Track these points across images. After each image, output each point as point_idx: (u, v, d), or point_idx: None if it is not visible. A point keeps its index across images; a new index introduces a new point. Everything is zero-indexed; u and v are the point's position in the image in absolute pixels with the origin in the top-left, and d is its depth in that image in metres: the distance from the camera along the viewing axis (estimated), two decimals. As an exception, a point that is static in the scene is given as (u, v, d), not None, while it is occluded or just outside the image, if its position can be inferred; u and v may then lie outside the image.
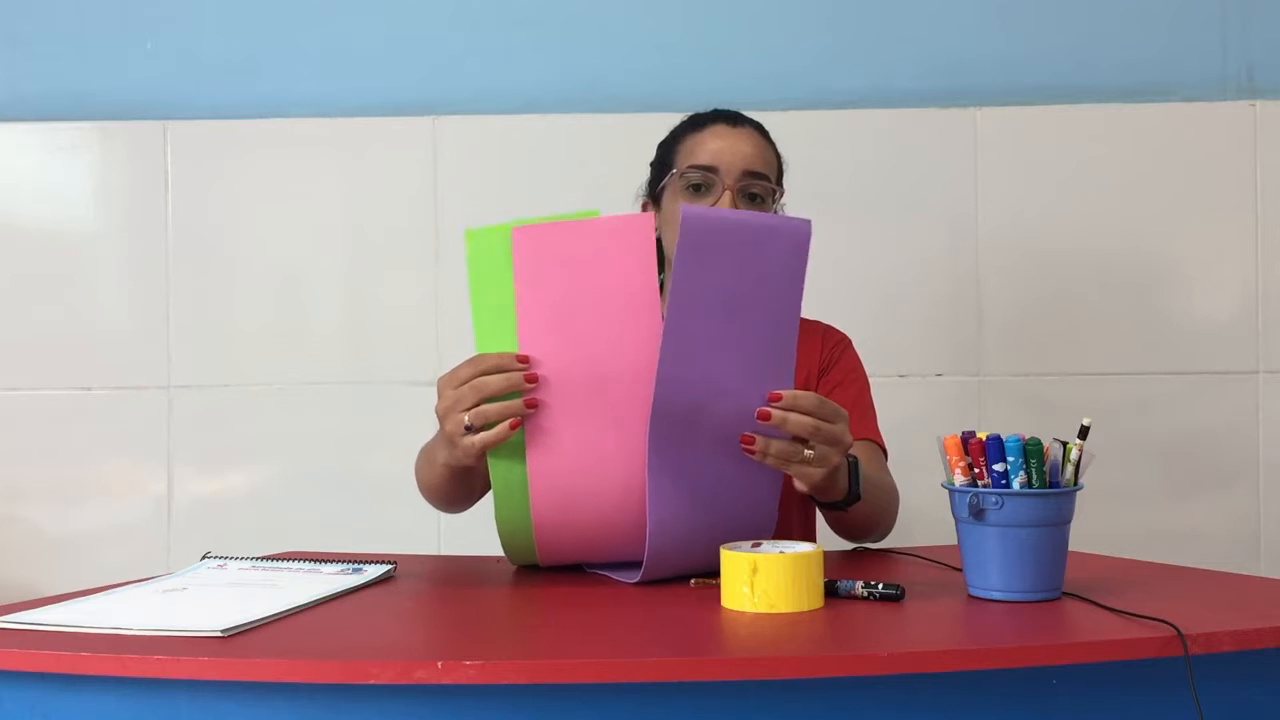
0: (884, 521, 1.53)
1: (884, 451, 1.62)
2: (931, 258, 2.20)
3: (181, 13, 2.24)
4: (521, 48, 2.24)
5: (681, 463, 1.23)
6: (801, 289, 1.24)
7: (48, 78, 2.24)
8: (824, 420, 1.23)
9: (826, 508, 1.40)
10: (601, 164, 2.13)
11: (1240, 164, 2.20)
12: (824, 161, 2.16)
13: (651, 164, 1.68)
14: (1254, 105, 2.20)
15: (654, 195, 1.65)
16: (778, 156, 1.64)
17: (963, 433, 1.18)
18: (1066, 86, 2.21)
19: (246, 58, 2.24)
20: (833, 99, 2.20)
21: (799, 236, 1.23)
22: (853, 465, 1.35)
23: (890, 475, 1.59)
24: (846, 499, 1.36)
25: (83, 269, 2.22)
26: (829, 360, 1.65)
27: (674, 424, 1.21)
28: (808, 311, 1.70)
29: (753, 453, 1.22)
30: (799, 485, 1.27)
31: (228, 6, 2.24)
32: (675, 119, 1.68)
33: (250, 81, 2.24)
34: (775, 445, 1.23)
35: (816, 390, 1.62)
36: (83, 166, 2.23)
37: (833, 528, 1.52)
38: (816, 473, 1.25)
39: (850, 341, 1.69)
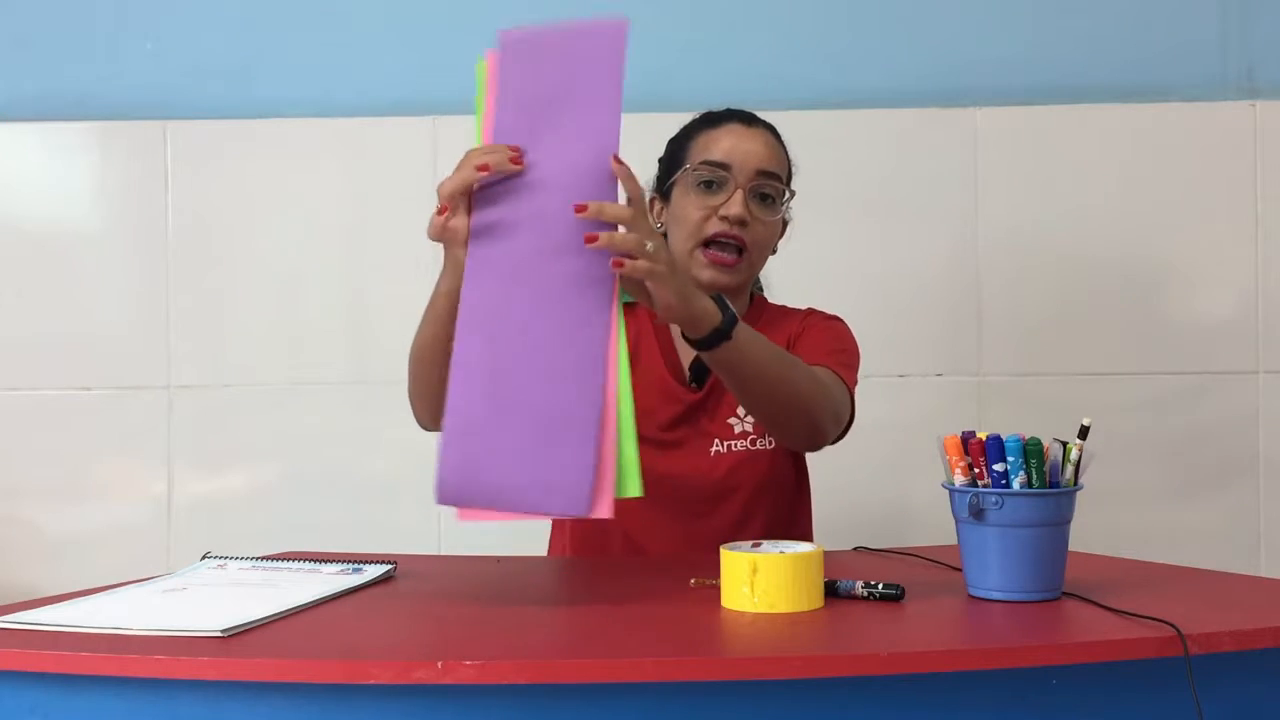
0: (794, 401, 1.41)
1: (849, 389, 1.53)
2: (932, 258, 2.20)
3: (181, 13, 2.24)
4: (521, 48, 2.23)
5: (503, 301, 1.18)
6: (619, 83, 1.19)
7: (48, 78, 2.24)
8: (639, 221, 1.20)
9: (700, 347, 1.30)
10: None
11: (1240, 164, 2.20)
12: (824, 161, 2.15)
13: (660, 160, 1.67)
14: (1254, 105, 2.20)
15: (662, 191, 1.64)
16: (788, 158, 1.63)
17: (963, 433, 1.18)
18: (1066, 86, 2.21)
19: (246, 58, 2.24)
20: (833, 99, 2.20)
21: (615, 33, 1.19)
22: (718, 299, 1.30)
23: (835, 388, 1.49)
24: (716, 332, 1.28)
25: (83, 269, 2.21)
26: (806, 326, 1.62)
27: (497, 237, 1.19)
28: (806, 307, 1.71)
29: (593, 239, 1.17)
30: (656, 300, 1.22)
31: (228, 7, 2.24)
32: (676, 119, 1.67)
33: (250, 81, 2.23)
34: (618, 237, 1.17)
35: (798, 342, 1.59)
36: (83, 166, 2.22)
37: (734, 393, 1.43)
38: (661, 269, 1.19)
39: (838, 317, 1.66)
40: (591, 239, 1.17)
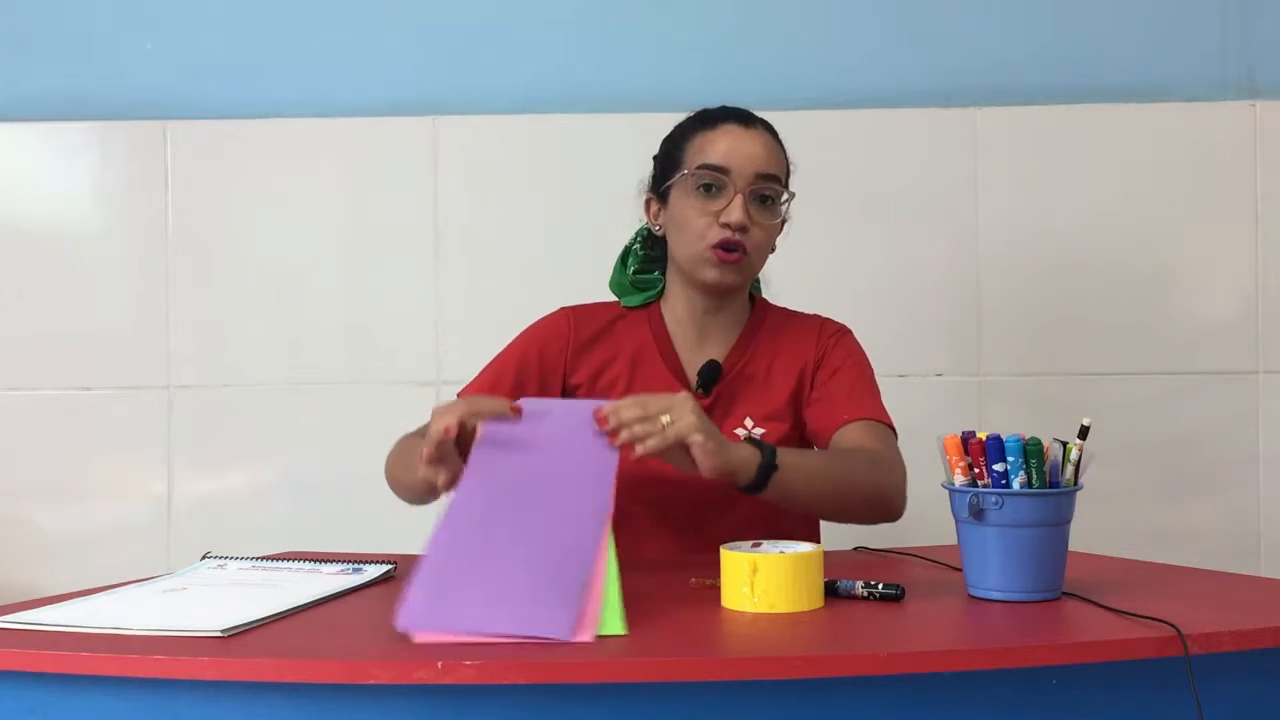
0: (861, 497, 1.44)
1: (891, 428, 1.55)
2: (931, 258, 2.20)
3: (181, 13, 2.24)
4: (521, 48, 2.24)
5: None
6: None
7: (48, 78, 2.24)
8: (650, 403, 1.28)
9: (754, 490, 1.35)
10: (601, 164, 2.13)
11: (1240, 164, 2.20)
12: (824, 161, 2.15)
13: (655, 158, 1.66)
14: (1254, 105, 2.20)
15: (659, 192, 1.64)
16: (787, 157, 1.62)
17: (963, 433, 1.18)
18: (1066, 86, 2.21)
19: (246, 58, 2.24)
20: (833, 99, 2.20)
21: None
22: (757, 443, 1.35)
23: (886, 446, 1.51)
24: (762, 471, 1.33)
25: (83, 269, 2.21)
26: (824, 351, 1.63)
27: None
28: (807, 309, 1.71)
29: (614, 433, 1.26)
30: (698, 456, 1.26)
31: (228, 7, 2.24)
32: (676, 119, 1.66)
33: (250, 81, 2.23)
34: (638, 428, 1.25)
35: (813, 384, 1.60)
36: (83, 166, 2.22)
37: (806, 512, 1.48)
38: (689, 422, 1.26)
39: (848, 330, 1.67)
40: (614, 434, 1.26)
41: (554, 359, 1.62)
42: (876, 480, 1.45)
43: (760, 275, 1.76)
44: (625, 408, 1.27)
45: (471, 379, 1.64)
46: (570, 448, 1.28)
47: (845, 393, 1.58)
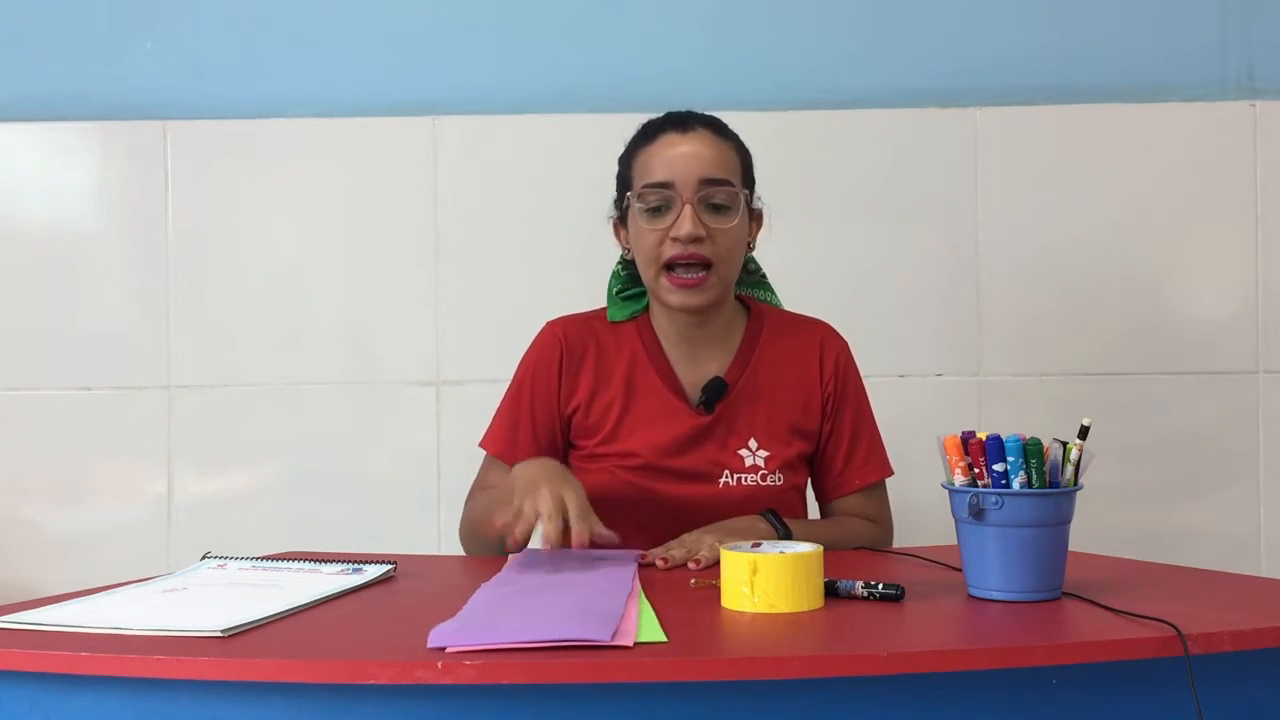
0: (841, 549, 1.53)
1: (889, 469, 1.65)
2: (931, 258, 2.20)
3: (181, 13, 2.24)
4: (521, 48, 2.24)
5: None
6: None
7: (48, 78, 2.23)
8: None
9: None
10: (601, 164, 2.13)
11: (1240, 164, 2.20)
12: (824, 161, 2.16)
13: (616, 178, 1.65)
14: (1254, 105, 2.20)
15: (621, 217, 1.62)
16: (740, 153, 1.57)
17: (963, 433, 1.18)
18: (1066, 86, 2.21)
19: (246, 58, 2.24)
20: (833, 99, 2.20)
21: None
22: (766, 516, 1.49)
23: (883, 511, 1.65)
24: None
25: (83, 269, 2.21)
26: (835, 375, 1.61)
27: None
28: (807, 309, 1.71)
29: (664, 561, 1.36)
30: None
31: (228, 6, 2.24)
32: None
33: (250, 81, 2.23)
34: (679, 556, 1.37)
35: (825, 413, 1.61)
36: (83, 166, 2.22)
37: None
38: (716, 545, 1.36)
39: (848, 348, 1.65)
40: (665, 560, 1.36)
41: (553, 388, 1.61)
42: (865, 546, 1.56)
43: (770, 284, 1.75)
44: (676, 551, 1.37)
45: (489, 427, 1.65)
46: (598, 561, 1.36)
47: (852, 446, 1.62)
